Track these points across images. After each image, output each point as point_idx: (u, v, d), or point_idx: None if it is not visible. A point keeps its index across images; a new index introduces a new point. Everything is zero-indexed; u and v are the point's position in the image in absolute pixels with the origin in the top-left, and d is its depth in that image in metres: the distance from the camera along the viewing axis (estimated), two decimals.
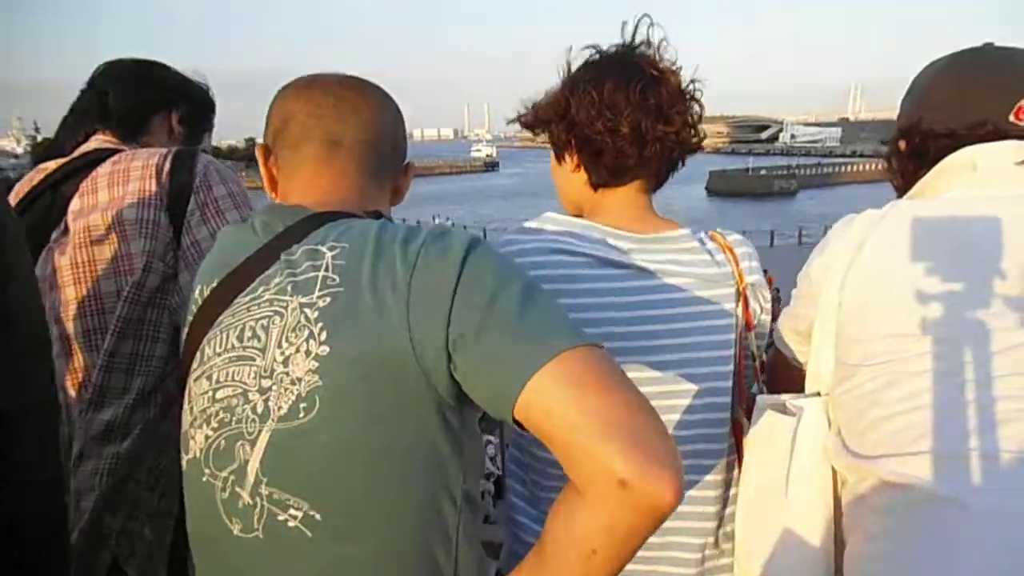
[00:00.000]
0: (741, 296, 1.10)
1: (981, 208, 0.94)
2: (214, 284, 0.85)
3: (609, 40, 1.11)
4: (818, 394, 1.08)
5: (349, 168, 0.91)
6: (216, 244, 0.93)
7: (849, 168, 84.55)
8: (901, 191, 1.11)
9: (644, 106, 1.04)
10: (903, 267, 0.94)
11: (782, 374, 1.23)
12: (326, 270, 0.76)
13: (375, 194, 0.94)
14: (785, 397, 1.08)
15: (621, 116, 1.04)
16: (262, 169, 0.95)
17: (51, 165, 1.36)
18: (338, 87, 0.93)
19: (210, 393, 0.80)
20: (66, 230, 1.28)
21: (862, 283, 0.98)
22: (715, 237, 1.15)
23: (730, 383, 1.10)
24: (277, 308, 0.77)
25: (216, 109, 1.59)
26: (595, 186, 1.12)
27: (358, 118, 0.92)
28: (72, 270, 1.25)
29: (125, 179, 1.28)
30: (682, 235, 1.11)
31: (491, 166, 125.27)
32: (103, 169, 1.30)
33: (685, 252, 1.09)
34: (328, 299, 0.75)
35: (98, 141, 1.39)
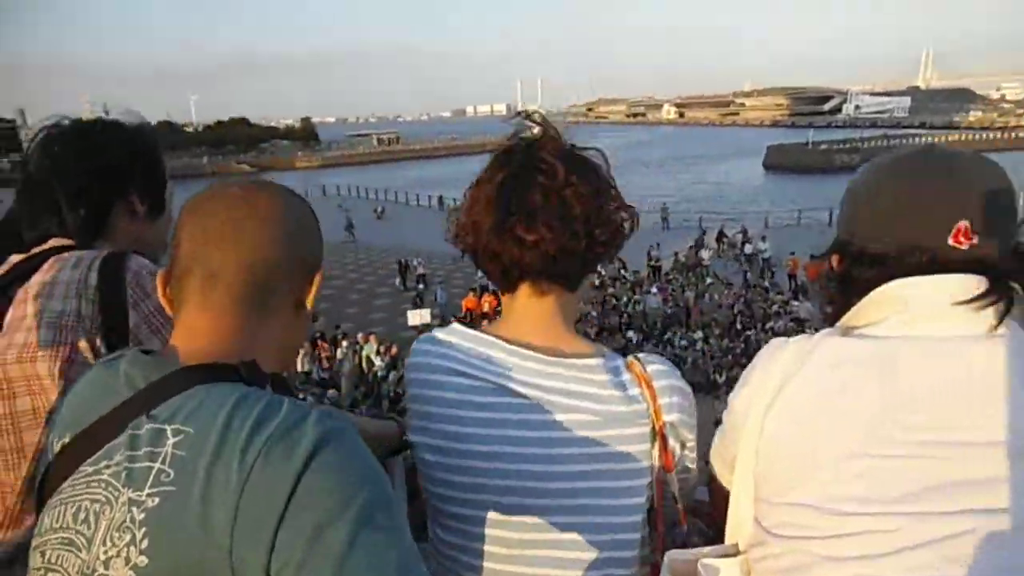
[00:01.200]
0: (658, 436, 1.00)
1: (910, 357, 0.84)
2: (66, 440, 0.80)
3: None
4: (736, 550, 0.97)
5: (228, 306, 0.82)
6: (79, 384, 0.85)
7: (918, 141, 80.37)
8: (830, 320, 1.00)
9: (507, 207, 0.99)
10: (820, 424, 0.86)
11: (720, 503, 1.07)
12: (163, 462, 0.71)
13: (261, 332, 0.85)
14: (698, 554, 0.96)
15: (484, 216, 1.01)
16: (160, 299, 0.88)
17: (13, 260, 1.31)
18: (228, 203, 0.85)
19: (41, 572, 0.76)
20: None
21: (778, 434, 0.89)
22: (632, 366, 1.03)
23: (635, 552, 1.02)
24: (110, 495, 0.73)
25: (161, 157, 1.46)
26: (500, 290, 1.09)
27: (242, 243, 0.82)
28: None
29: (50, 293, 1.23)
30: (591, 364, 1.01)
31: None
32: (36, 277, 1.25)
33: (591, 384, 0.99)
34: (157, 499, 0.70)
35: (55, 241, 1.32)
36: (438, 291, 21.38)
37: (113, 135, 1.39)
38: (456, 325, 1.10)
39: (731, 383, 13.58)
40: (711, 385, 15.20)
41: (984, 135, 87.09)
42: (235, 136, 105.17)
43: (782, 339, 0.99)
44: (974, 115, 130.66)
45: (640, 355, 1.06)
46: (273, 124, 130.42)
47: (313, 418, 0.72)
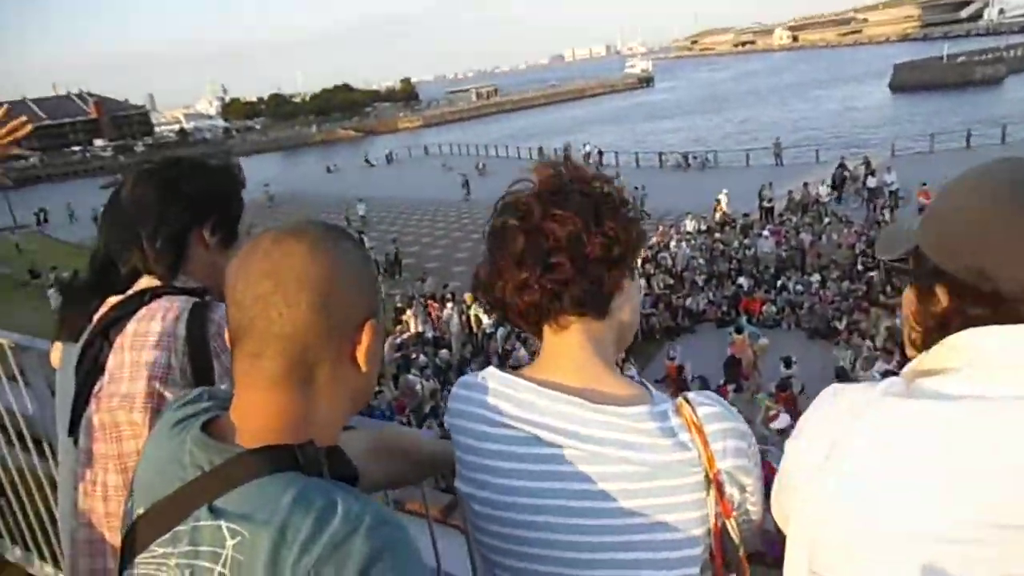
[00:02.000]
0: (713, 483, 0.94)
1: (987, 422, 0.73)
2: (140, 511, 0.85)
3: None
4: None
5: (273, 385, 0.81)
6: (151, 445, 0.90)
7: None
8: (916, 346, 0.89)
9: (493, 260, 1.01)
10: (879, 497, 0.76)
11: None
12: (223, 565, 0.74)
13: (314, 405, 0.84)
14: None
15: (482, 274, 1.04)
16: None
17: (112, 301, 1.43)
18: (254, 277, 0.81)
19: None
20: (100, 386, 1.35)
21: (832, 503, 0.80)
22: (682, 409, 0.97)
23: None
24: None
25: (243, 182, 1.56)
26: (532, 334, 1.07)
27: (272, 322, 0.80)
28: (100, 429, 1.31)
29: (143, 344, 1.32)
30: (637, 412, 0.95)
31: (646, 81, 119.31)
32: (130, 327, 1.34)
33: (638, 433, 0.94)
34: None
35: (147, 281, 1.43)
36: None
37: (193, 172, 1.48)
38: (492, 369, 1.07)
39: (852, 329, 12.70)
40: (830, 331, 14.43)
41: None
42: (339, 102, 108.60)
43: (839, 386, 0.90)
44: None
45: (690, 395, 1.00)
46: (374, 87, 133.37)
47: (365, 528, 0.72)
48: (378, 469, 1.19)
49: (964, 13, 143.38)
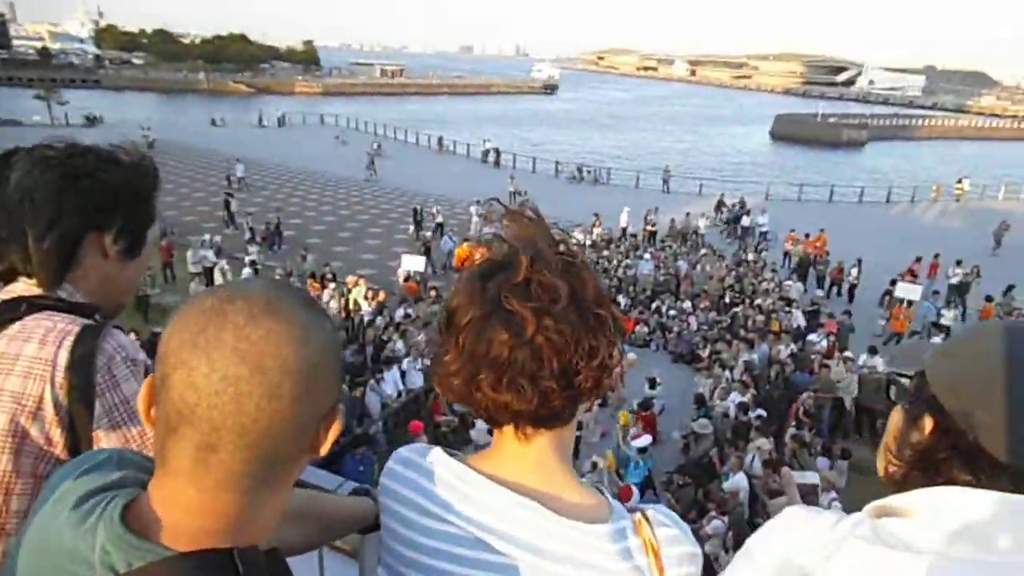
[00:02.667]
0: None
1: None
2: None
3: None
4: None
5: (225, 484, 0.68)
6: (38, 532, 0.72)
7: (927, 122, 79.55)
8: (892, 480, 0.90)
9: (472, 360, 0.87)
10: None
11: None
12: None
13: (265, 505, 0.73)
14: None
15: (452, 365, 0.89)
16: (142, 416, 0.72)
17: None
18: (226, 352, 0.65)
19: None
20: None
21: None
22: (640, 529, 0.91)
23: None
24: None
25: (159, 184, 1.33)
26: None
27: (245, 414, 0.66)
28: None
29: (10, 369, 1.11)
30: (599, 532, 0.88)
31: (550, 88, 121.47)
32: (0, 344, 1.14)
33: (597, 552, 0.87)
34: None
35: (24, 286, 1.21)
36: (446, 238, 20.93)
37: (102, 166, 1.24)
38: (439, 451, 0.96)
39: (714, 358, 13.52)
40: (694, 357, 15.31)
41: (993, 123, 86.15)
42: (233, 53, 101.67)
43: (799, 511, 0.88)
44: (987, 101, 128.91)
45: (649, 512, 0.94)
46: (274, 44, 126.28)
47: None
48: (296, 535, 1.06)
49: (840, 78, 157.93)
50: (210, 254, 17.53)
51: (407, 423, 10.95)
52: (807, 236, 22.30)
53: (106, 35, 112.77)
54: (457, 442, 10.44)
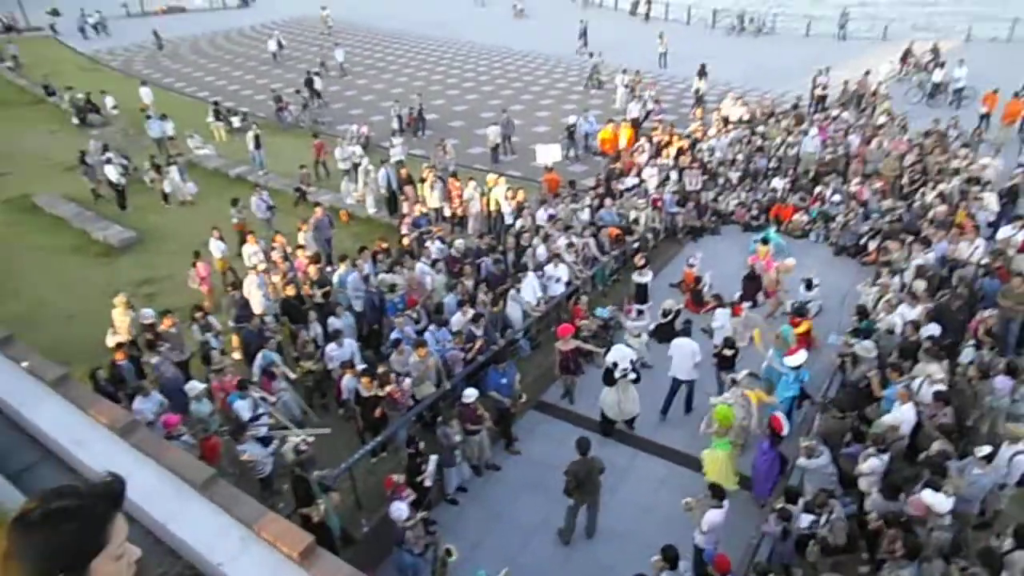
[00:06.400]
0: None
1: None
2: None
3: None
4: None
5: None
6: None
7: None
8: None
9: None
10: None
11: None
12: None
13: None
14: None
15: None
16: None
17: None
18: None
19: None
20: None
21: None
22: None
23: None
24: None
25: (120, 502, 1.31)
26: None
27: None
28: None
29: None
30: None
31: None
32: None
33: None
34: None
35: None
36: (581, 120, 20.12)
37: (46, 521, 1.21)
38: None
39: (882, 256, 12.04)
40: (858, 250, 13.93)
41: None
42: None
43: None
44: None
45: None
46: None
47: None
48: None
49: None
50: (358, 149, 18.05)
51: (548, 329, 11.15)
52: (1016, 95, 18.69)
53: None
54: (599, 344, 10.50)
